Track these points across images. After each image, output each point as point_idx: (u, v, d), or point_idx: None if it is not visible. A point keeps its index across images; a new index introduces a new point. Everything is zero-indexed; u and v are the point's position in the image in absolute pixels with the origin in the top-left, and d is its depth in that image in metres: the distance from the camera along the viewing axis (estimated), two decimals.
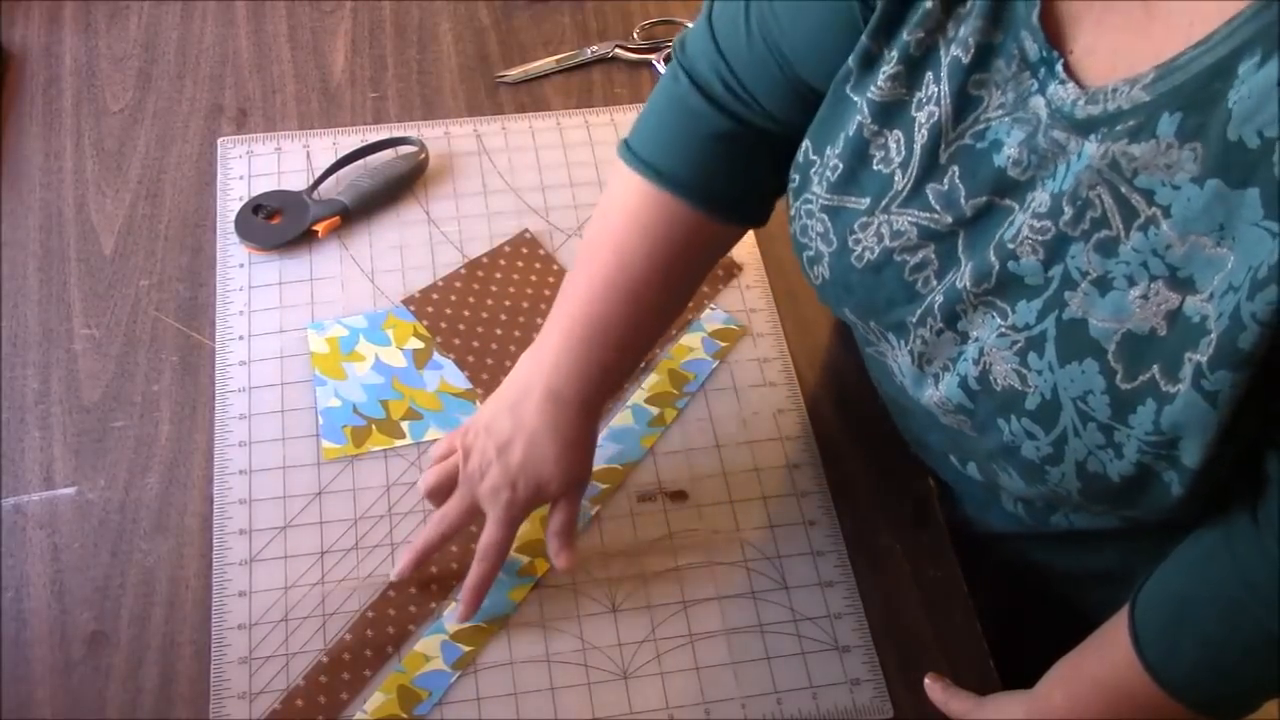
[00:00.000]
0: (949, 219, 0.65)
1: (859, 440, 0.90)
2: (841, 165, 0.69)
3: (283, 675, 0.77)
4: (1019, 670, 0.76)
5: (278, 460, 0.85)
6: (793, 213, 0.74)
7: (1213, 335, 0.55)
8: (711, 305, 0.96)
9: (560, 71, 1.10)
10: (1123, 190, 0.58)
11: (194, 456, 0.86)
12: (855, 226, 0.69)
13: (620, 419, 0.89)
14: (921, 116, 0.65)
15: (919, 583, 0.84)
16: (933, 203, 0.66)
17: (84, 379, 0.89)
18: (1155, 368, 0.58)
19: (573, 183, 1.03)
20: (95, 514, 0.83)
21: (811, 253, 0.73)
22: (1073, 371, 0.61)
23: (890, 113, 0.66)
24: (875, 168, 0.68)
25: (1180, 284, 0.57)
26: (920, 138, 0.65)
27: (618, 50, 1.12)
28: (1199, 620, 0.64)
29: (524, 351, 0.81)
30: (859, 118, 0.67)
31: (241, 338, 0.91)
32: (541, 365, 0.78)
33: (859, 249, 0.70)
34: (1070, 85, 0.59)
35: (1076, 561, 0.82)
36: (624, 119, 1.07)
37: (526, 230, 0.99)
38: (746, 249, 0.99)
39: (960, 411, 0.68)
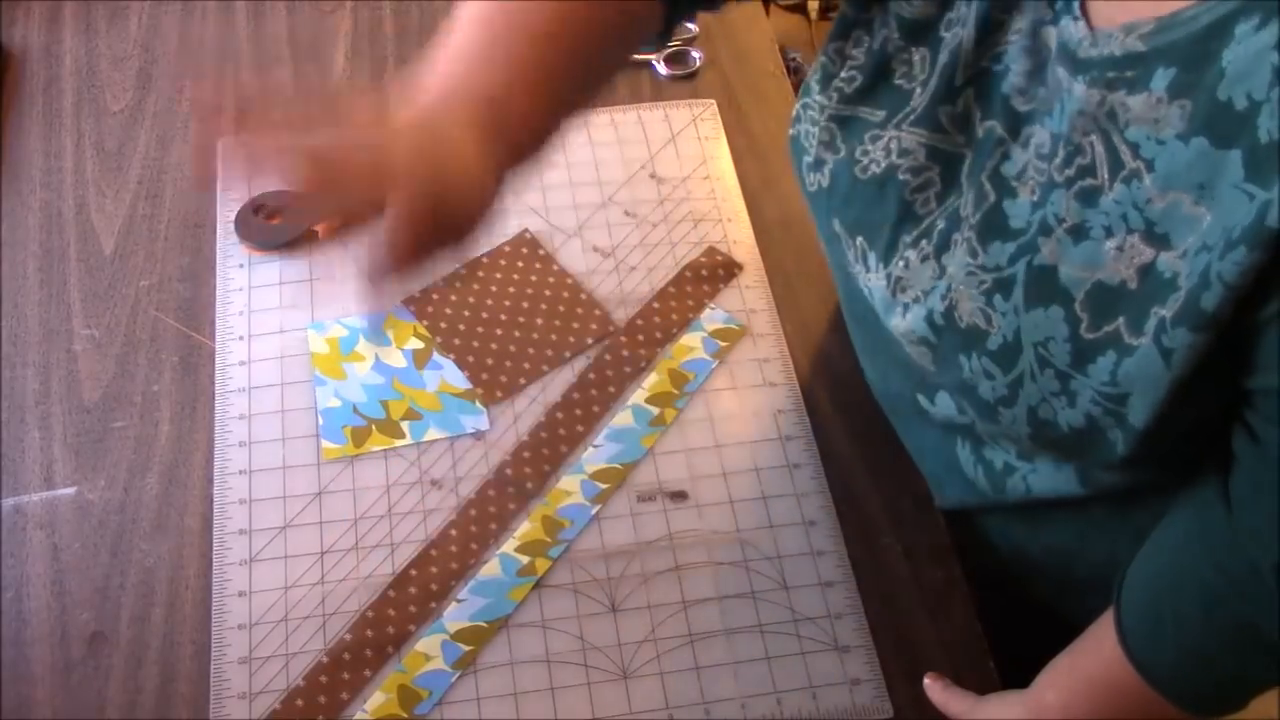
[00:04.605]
0: (960, 139, 0.65)
1: (859, 440, 0.90)
2: (861, 77, 0.70)
3: (283, 675, 0.77)
4: (1019, 670, 0.76)
5: (278, 460, 0.85)
6: (798, 113, 0.75)
7: (1181, 293, 0.55)
8: (711, 305, 0.96)
9: None
10: (1114, 140, 0.57)
11: (194, 456, 0.86)
12: (866, 138, 0.70)
13: (620, 419, 0.89)
14: (948, 37, 0.65)
15: (919, 583, 0.84)
16: (944, 124, 0.66)
17: (84, 379, 0.89)
18: (1121, 320, 0.58)
19: (573, 183, 1.03)
20: (95, 514, 0.83)
21: (811, 158, 0.73)
22: (1037, 316, 0.61)
23: (919, 30, 0.67)
24: (896, 82, 0.68)
25: (1156, 239, 0.57)
26: (943, 58, 0.66)
27: None
28: (1179, 613, 0.64)
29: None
30: (884, 31, 0.68)
31: (241, 338, 0.91)
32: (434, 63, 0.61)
33: (865, 160, 0.70)
34: (1081, 23, 0.59)
35: (1033, 537, 0.83)
36: (624, 119, 1.07)
37: (526, 230, 0.99)
38: (746, 249, 0.99)
39: (923, 344, 0.69)
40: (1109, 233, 0.58)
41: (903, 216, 0.69)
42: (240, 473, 0.85)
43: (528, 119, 0.62)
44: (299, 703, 0.76)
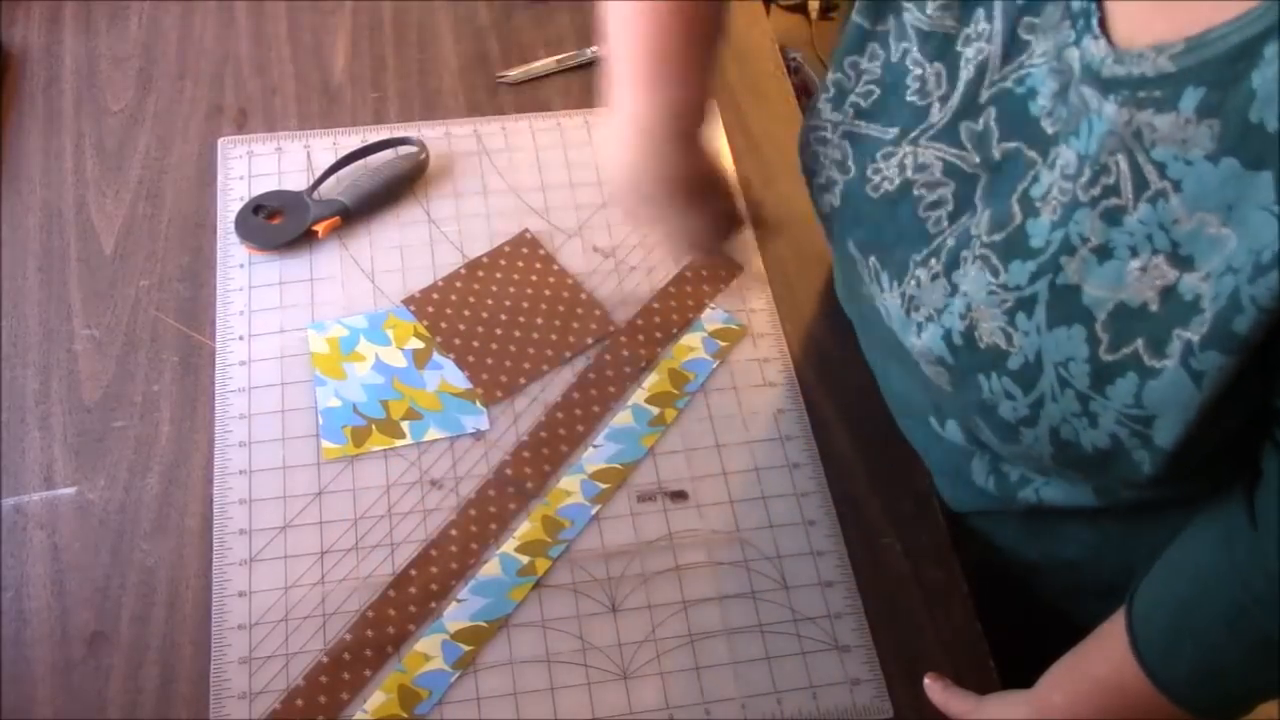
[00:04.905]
0: (976, 159, 0.65)
1: (859, 440, 0.90)
2: (878, 91, 0.69)
3: (283, 675, 0.77)
4: (1019, 670, 0.76)
5: (278, 460, 0.85)
6: (806, 136, 0.74)
7: (1207, 315, 0.55)
8: (711, 305, 0.96)
9: (561, 72, 1.10)
10: (1139, 160, 0.57)
11: (194, 456, 0.86)
12: (878, 155, 0.69)
13: (620, 419, 0.89)
14: (969, 52, 0.65)
15: (919, 583, 0.84)
16: (964, 140, 0.66)
17: (84, 379, 0.89)
18: (1140, 341, 0.58)
19: (573, 183, 1.03)
20: (95, 514, 0.83)
21: (822, 180, 0.73)
22: (1059, 336, 0.61)
23: (935, 45, 0.67)
24: (909, 98, 0.68)
25: (1180, 261, 0.56)
26: (966, 74, 0.65)
27: None
28: (1199, 624, 0.64)
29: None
30: (903, 44, 0.68)
31: (242, 338, 0.91)
32: (621, 110, 0.76)
33: (877, 179, 0.70)
34: (1102, 41, 0.59)
35: (1043, 549, 0.82)
36: None
37: (526, 230, 0.99)
38: (746, 249, 0.99)
39: (939, 364, 0.68)
40: (1134, 253, 0.58)
41: (913, 235, 0.69)
42: (240, 473, 0.85)
43: (707, 98, 0.79)
44: (299, 703, 0.76)
